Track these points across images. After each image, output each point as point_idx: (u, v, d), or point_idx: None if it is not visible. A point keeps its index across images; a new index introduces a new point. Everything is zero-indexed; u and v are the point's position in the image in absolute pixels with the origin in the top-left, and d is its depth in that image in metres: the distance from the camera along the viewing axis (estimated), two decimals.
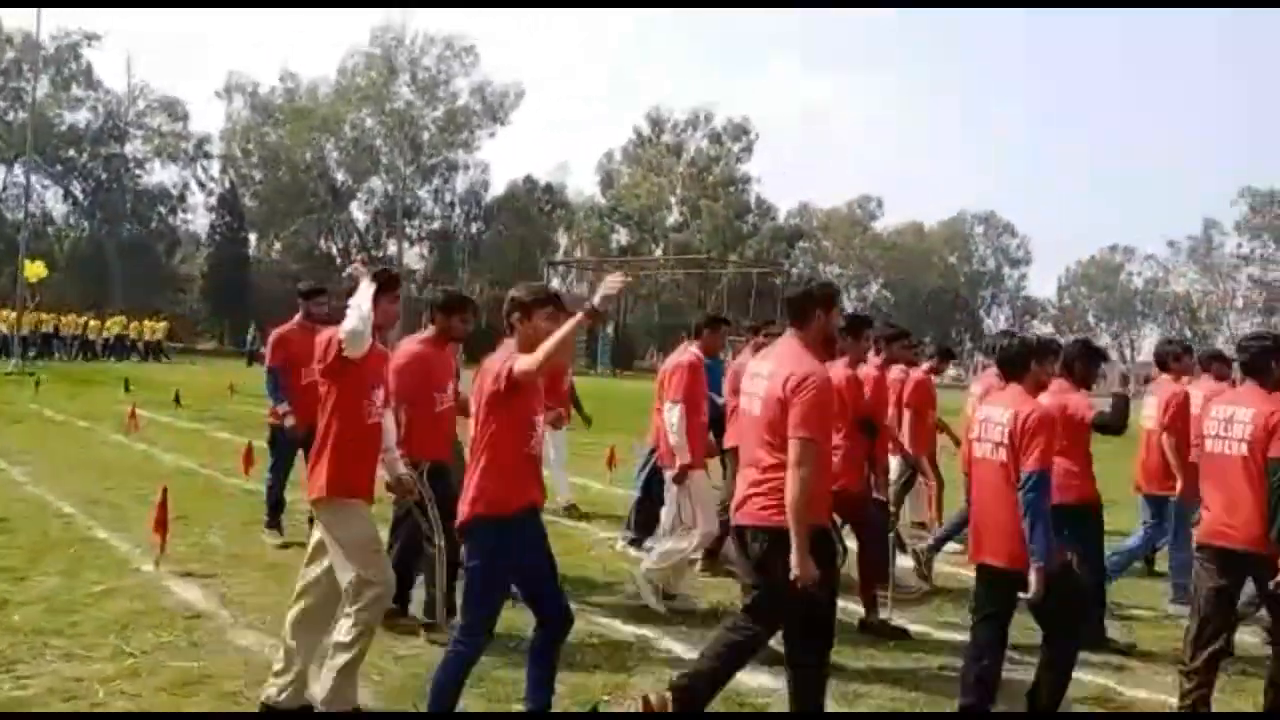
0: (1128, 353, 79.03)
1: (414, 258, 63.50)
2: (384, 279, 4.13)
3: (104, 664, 4.63)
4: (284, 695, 4.07)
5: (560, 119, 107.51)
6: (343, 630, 3.94)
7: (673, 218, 65.29)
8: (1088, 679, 4.97)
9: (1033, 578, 3.87)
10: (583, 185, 71.13)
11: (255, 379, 26.16)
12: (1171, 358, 6.89)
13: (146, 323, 38.29)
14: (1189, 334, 73.25)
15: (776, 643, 4.15)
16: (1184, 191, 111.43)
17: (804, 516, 3.66)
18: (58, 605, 5.47)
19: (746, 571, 3.96)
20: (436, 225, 62.59)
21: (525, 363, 3.60)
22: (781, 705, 4.49)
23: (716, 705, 4.39)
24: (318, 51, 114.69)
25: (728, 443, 6.56)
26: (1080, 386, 5.45)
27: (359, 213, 61.13)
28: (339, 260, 59.45)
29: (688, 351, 6.34)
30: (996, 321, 79.84)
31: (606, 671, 4.81)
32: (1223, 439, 4.44)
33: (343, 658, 3.92)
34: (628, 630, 5.52)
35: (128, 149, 55.87)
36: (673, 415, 5.98)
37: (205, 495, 9.05)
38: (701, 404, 6.16)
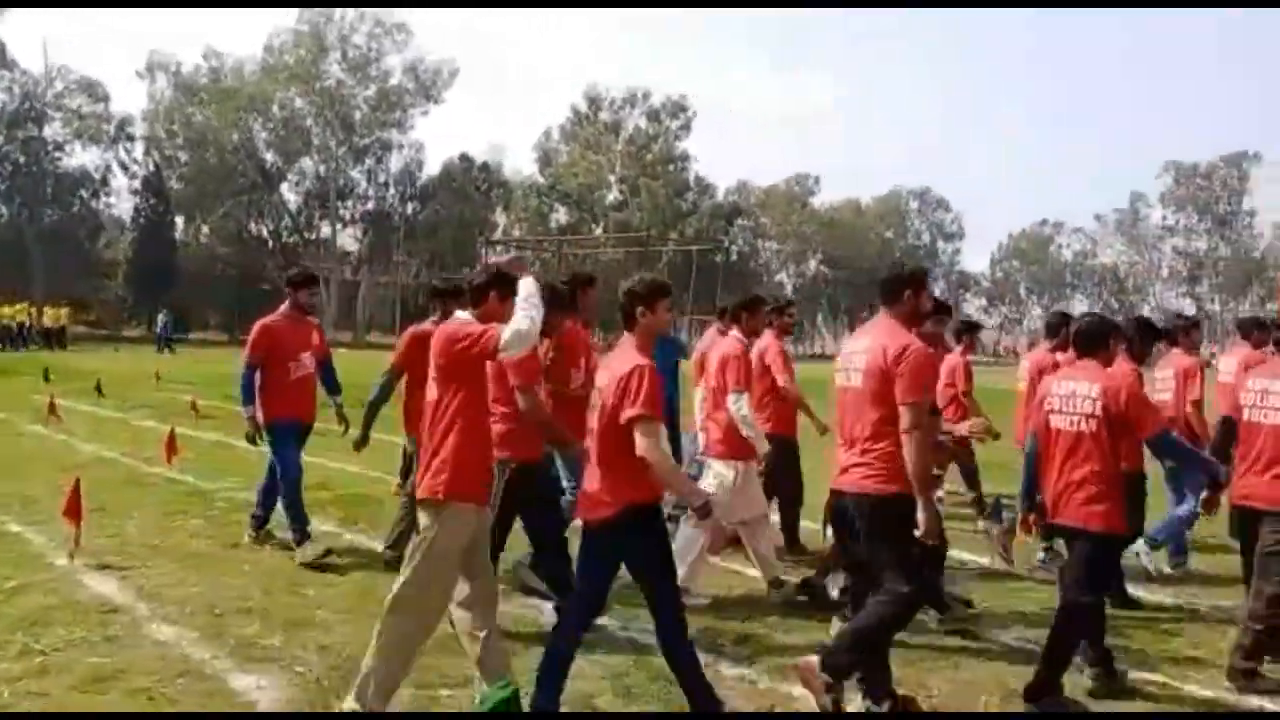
0: None
1: (348, 239, 62.46)
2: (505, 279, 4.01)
3: (10, 663, 4.43)
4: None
5: (502, 100, 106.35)
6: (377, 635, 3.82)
7: (612, 196, 65.00)
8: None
9: (1208, 496, 4.92)
10: (520, 164, 70.51)
11: (176, 366, 25.61)
12: (1181, 332, 7.13)
13: (47, 310, 36.95)
14: (1116, 304, 75.17)
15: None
16: (1111, 165, 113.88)
17: (927, 476, 3.93)
18: None
19: (842, 536, 4.21)
20: (371, 206, 61.55)
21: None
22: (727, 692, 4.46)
23: (654, 700, 4.34)
24: (242, 29, 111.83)
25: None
26: (1138, 362, 5.65)
27: (290, 194, 59.82)
28: (270, 244, 58.20)
29: (731, 337, 6.12)
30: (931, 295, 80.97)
31: (541, 654, 4.71)
32: (1260, 409, 4.77)
33: (371, 664, 3.80)
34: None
35: (46, 131, 53.80)
36: (742, 406, 5.78)
37: (125, 485, 8.77)
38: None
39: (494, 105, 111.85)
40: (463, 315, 3.98)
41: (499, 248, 62.18)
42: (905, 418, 3.87)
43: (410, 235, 60.37)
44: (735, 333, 6.17)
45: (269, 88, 55.43)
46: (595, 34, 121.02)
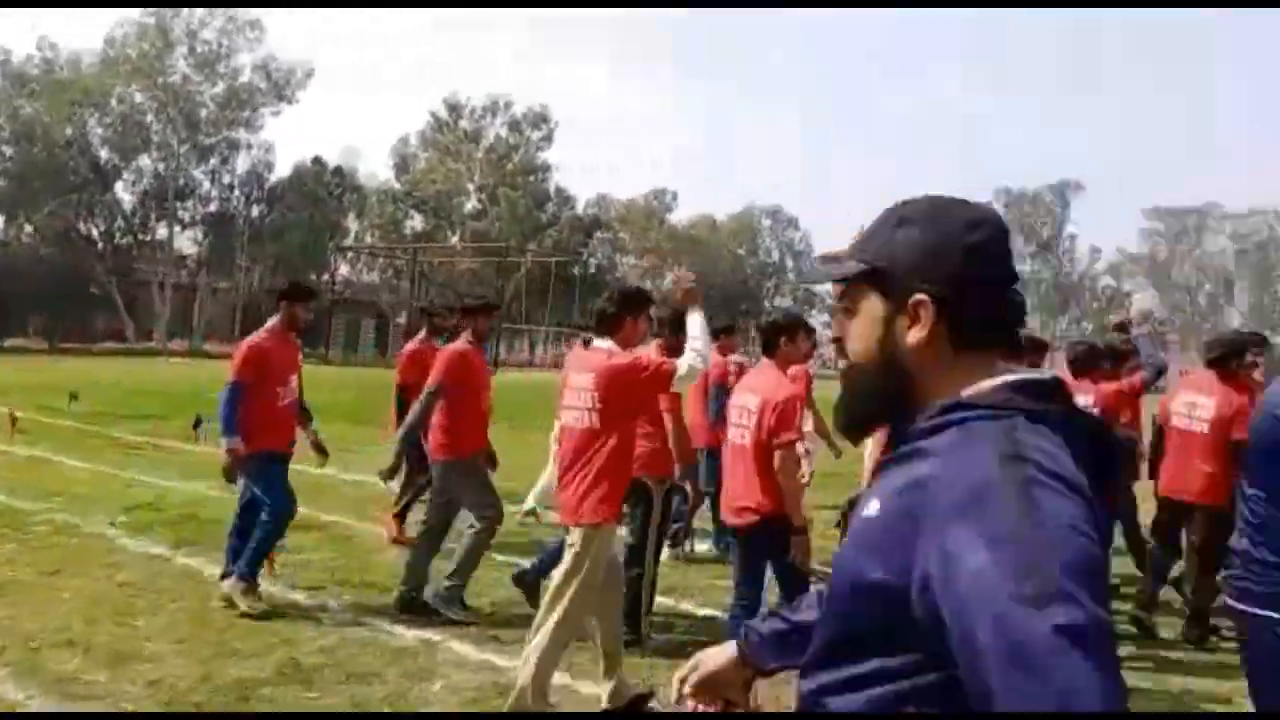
0: None
1: (186, 242, 59.42)
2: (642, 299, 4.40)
3: None
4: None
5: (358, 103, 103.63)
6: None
7: (470, 204, 64.23)
8: None
9: None
10: (376, 169, 68.83)
11: None
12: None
13: None
14: None
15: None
16: (946, 189, 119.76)
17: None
18: None
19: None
20: (213, 208, 58.78)
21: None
22: None
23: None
24: (83, 24, 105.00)
25: None
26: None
27: (125, 194, 56.43)
28: (100, 245, 54.88)
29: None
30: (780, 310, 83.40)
31: (393, 679, 4.56)
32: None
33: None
34: (411, 635, 5.28)
35: None
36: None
37: None
38: None
39: (349, 108, 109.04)
40: (604, 344, 4.16)
41: (350, 254, 60.88)
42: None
43: (255, 239, 57.97)
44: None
45: (108, 81, 52.24)
46: (454, 38, 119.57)
